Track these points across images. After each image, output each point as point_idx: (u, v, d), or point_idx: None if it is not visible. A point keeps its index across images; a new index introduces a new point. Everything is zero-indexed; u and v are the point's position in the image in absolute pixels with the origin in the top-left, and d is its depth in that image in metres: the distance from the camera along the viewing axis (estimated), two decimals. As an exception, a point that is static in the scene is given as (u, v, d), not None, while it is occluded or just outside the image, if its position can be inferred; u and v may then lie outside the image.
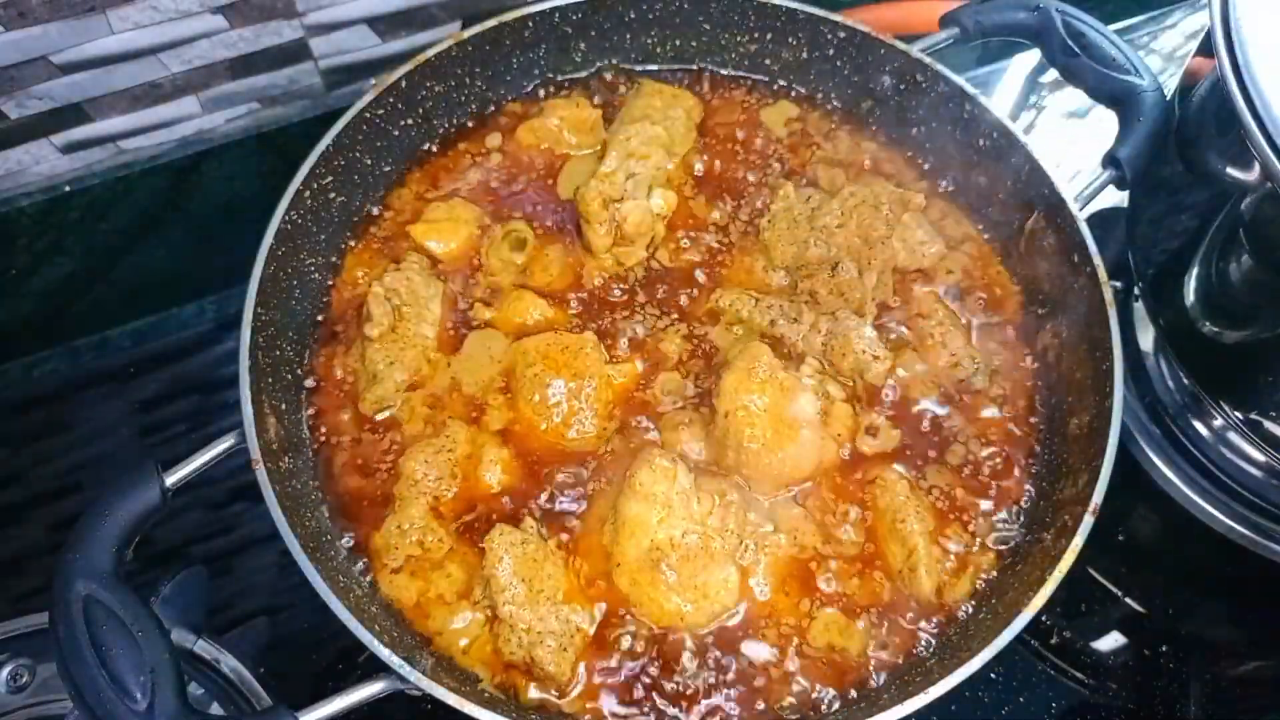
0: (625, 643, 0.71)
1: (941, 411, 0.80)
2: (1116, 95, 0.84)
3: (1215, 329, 0.81)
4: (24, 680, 0.78)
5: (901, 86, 0.90)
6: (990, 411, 0.81)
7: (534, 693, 0.70)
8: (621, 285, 0.85)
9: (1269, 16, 0.66)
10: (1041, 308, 0.84)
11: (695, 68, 0.97)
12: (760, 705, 0.70)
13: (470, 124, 0.93)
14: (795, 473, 0.76)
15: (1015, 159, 0.85)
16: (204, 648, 0.81)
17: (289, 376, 0.79)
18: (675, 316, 0.84)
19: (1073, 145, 1.20)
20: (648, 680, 0.70)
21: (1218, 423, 0.89)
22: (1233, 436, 0.88)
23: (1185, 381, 0.89)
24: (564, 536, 0.74)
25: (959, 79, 0.86)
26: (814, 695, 0.70)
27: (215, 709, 0.78)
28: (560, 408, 0.78)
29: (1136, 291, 0.89)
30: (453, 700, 0.62)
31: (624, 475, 0.75)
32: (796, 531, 0.75)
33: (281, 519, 0.67)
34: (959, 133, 0.88)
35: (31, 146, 0.92)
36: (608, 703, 0.70)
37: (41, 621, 0.79)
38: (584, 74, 0.96)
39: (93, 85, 0.89)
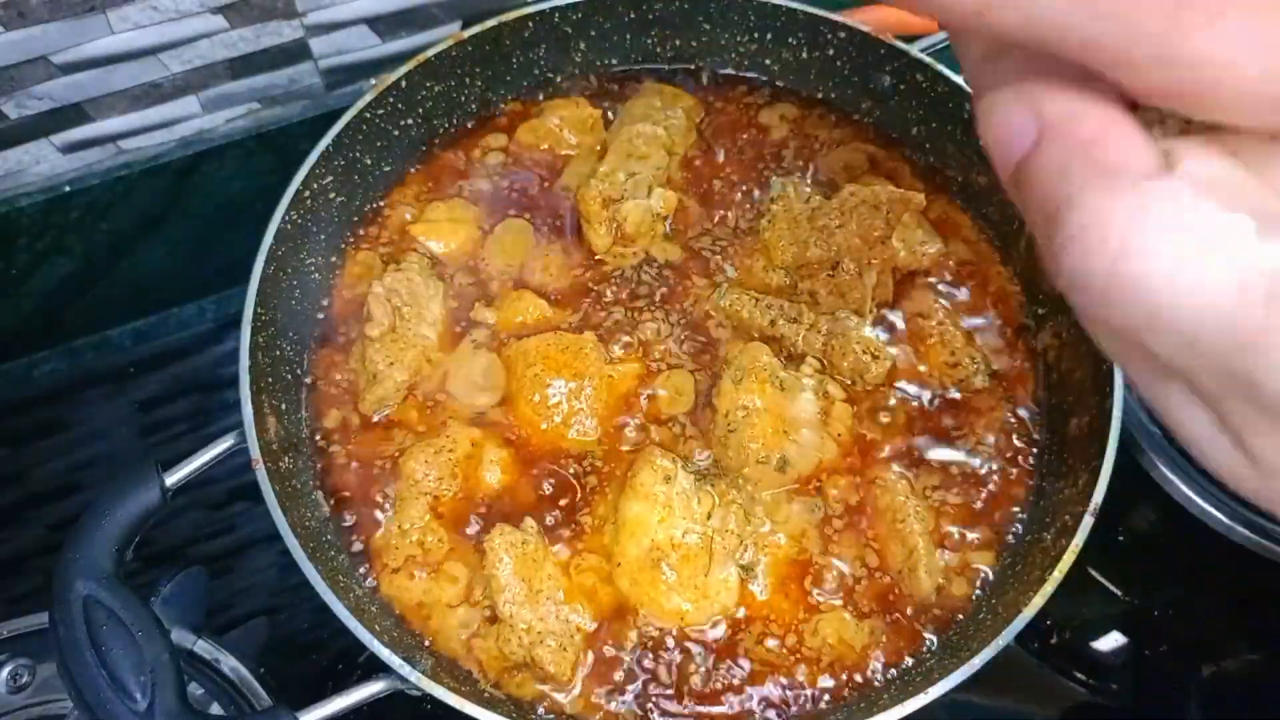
0: (625, 642, 0.71)
1: (941, 411, 0.80)
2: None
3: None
4: (24, 680, 0.78)
5: (901, 86, 0.90)
6: (990, 411, 0.81)
7: (534, 692, 0.70)
8: (621, 285, 0.85)
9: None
10: (1041, 308, 0.84)
11: (695, 67, 0.97)
12: (759, 704, 0.70)
13: (470, 124, 0.93)
14: (795, 473, 0.76)
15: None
16: (204, 648, 0.81)
17: (289, 376, 0.79)
18: (675, 316, 0.84)
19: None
20: (647, 679, 0.70)
21: (1218, 423, 0.89)
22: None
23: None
24: (564, 536, 0.74)
25: (959, 79, 0.86)
26: (813, 695, 0.70)
27: (215, 709, 0.79)
28: (560, 408, 0.78)
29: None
30: (453, 700, 0.62)
31: (624, 475, 0.75)
32: (796, 532, 0.75)
33: (281, 519, 0.67)
34: (959, 133, 0.88)
35: (31, 146, 0.92)
36: (607, 702, 0.70)
37: (41, 621, 0.79)
38: (584, 74, 0.96)
39: (93, 85, 0.89)
